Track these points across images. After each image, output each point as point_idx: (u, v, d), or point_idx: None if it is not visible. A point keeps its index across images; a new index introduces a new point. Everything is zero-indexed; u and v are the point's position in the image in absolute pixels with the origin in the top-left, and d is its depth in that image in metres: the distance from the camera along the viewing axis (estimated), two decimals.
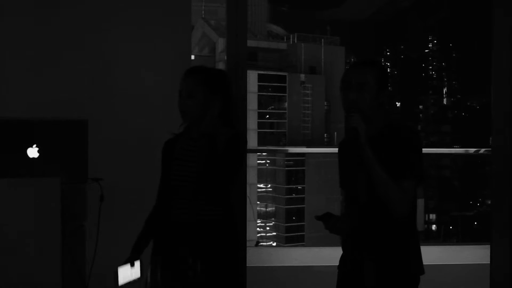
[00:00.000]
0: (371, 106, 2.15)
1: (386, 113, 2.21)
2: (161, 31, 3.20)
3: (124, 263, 2.15)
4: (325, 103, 39.69)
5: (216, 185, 2.21)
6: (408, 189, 2.08)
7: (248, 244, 3.37)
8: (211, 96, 2.23)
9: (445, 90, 44.42)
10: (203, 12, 38.15)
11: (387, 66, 45.06)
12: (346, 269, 2.25)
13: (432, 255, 3.93)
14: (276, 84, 38.50)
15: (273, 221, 37.91)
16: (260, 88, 37.95)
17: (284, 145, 37.28)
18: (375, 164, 2.07)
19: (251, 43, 34.84)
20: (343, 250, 2.29)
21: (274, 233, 37.54)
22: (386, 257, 2.14)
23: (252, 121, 35.38)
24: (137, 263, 2.19)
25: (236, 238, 2.30)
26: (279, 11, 45.39)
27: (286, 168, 37.34)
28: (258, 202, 37.35)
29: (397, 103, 44.39)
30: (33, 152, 2.27)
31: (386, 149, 2.10)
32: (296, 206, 36.86)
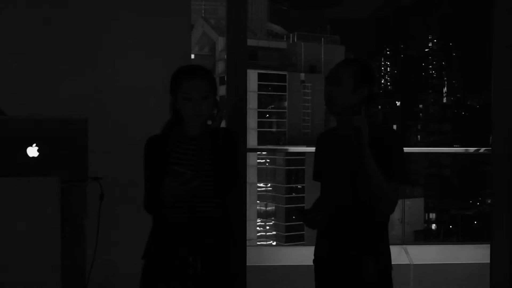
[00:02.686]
0: (347, 101, 2.18)
1: (370, 115, 2.26)
2: (161, 30, 3.20)
3: None
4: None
5: (229, 182, 2.23)
6: (395, 189, 2.16)
7: (248, 243, 3.37)
8: (215, 94, 2.27)
9: (445, 89, 44.37)
10: (203, 11, 38.11)
11: (387, 65, 45.02)
12: (332, 264, 2.25)
13: (432, 254, 3.93)
14: (276, 83, 38.47)
15: (273, 220, 37.88)
16: (260, 87, 37.91)
17: (284, 144, 37.26)
18: (374, 164, 2.10)
19: (251, 42, 34.81)
20: (323, 244, 2.29)
21: (274, 232, 37.52)
22: (383, 252, 2.18)
23: (252, 120, 35.35)
24: None
25: (233, 233, 2.32)
26: (279, 10, 45.36)
27: (286, 167, 37.31)
28: (258, 201, 37.33)
29: (397, 102, 44.34)
30: (32, 151, 2.26)
31: (372, 150, 2.14)
32: (296, 205, 36.83)
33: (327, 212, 2.16)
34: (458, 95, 44.47)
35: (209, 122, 2.26)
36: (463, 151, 4.26)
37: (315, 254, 2.33)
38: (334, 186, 2.24)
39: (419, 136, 41.71)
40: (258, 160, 37.32)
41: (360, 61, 2.27)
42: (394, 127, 35.76)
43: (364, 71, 2.23)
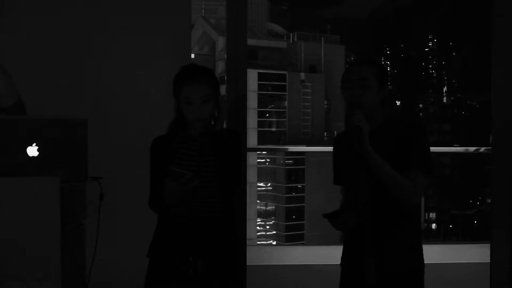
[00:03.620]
0: (373, 103, 2.17)
1: (386, 110, 2.24)
2: (161, 30, 3.20)
3: None
4: (325, 102, 39.69)
5: (231, 182, 2.23)
6: (416, 179, 2.11)
7: (248, 243, 3.37)
8: (217, 95, 2.27)
9: (445, 88, 44.35)
10: (203, 10, 38.12)
11: (387, 65, 45.01)
12: (348, 267, 2.25)
13: (432, 253, 3.92)
14: (276, 82, 38.48)
15: (273, 220, 37.89)
16: (260, 87, 37.93)
17: (284, 143, 37.27)
18: (380, 161, 2.07)
19: (251, 41, 34.81)
20: (345, 247, 2.29)
21: (274, 232, 37.53)
22: (389, 254, 2.14)
23: (252, 120, 35.37)
24: None
25: (235, 235, 2.32)
26: (279, 10, 45.35)
27: (286, 167, 37.33)
28: (258, 201, 37.34)
29: (397, 101, 44.34)
30: (32, 151, 2.26)
31: (389, 143, 2.12)
32: (296, 204, 36.85)
33: (356, 212, 2.13)
34: (458, 95, 44.46)
35: (213, 123, 2.26)
36: (463, 151, 4.26)
37: (341, 264, 2.33)
38: (351, 187, 2.22)
39: None
40: (258, 160, 37.33)
41: (376, 61, 2.26)
42: None
43: (383, 71, 2.22)
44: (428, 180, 2.19)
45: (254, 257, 3.59)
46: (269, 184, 38.21)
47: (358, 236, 2.12)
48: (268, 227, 37.91)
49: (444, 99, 44.18)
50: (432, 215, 39.43)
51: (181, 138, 2.27)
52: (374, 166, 2.07)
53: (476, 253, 3.97)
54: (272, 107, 38.64)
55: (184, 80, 2.23)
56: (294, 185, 37.39)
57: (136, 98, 3.18)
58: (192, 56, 3.96)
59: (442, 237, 38.28)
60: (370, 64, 2.22)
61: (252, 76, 35.90)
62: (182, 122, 2.28)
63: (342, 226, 2.14)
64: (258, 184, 37.55)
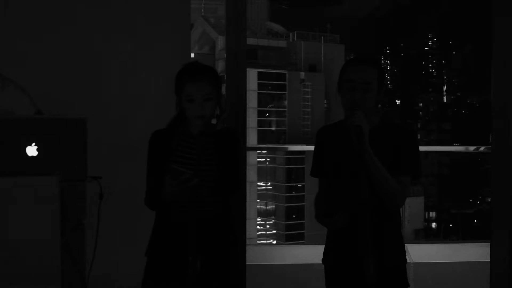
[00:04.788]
0: (372, 105, 2.19)
1: (380, 111, 2.26)
2: (161, 29, 3.20)
3: None
4: (325, 101, 39.66)
5: (230, 182, 2.23)
6: (405, 184, 2.16)
7: (248, 242, 3.37)
8: (219, 93, 2.27)
9: (445, 87, 44.37)
10: (202, 10, 38.10)
11: (387, 64, 45.00)
12: (335, 264, 2.26)
13: (432, 252, 3.93)
14: (276, 82, 38.46)
15: (273, 219, 37.88)
16: (260, 86, 37.90)
17: (284, 143, 37.24)
18: (377, 161, 2.10)
19: (250, 41, 34.79)
20: (335, 244, 2.28)
21: (274, 231, 37.52)
22: (387, 251, 2.17)
23: (252, 119, 35.35)
24: None
25: (234, 233, 2.32)
26: (279, 9, 45.36)
27: (286, 166, 37.31)
28: (258, 200, 37.32)
29: (397, 101, 44.36)
30: (32, 150, 2.26)
31: (382, 145, 2.14)
32: (296, 204, 36.84)
33: (348, 211, 2.13)
34: (458, 94, 44.46)
35: (214, 121, 2.26)
36: (463, 150, 4.26)
37: (325, 261, 2.33)
38: (352, 183, 2.21)
39: (419, 135, 41.61)
40: (258, 159, 37.32)
41: (378, 63, 2.26)
42: None
43: (383, 74, 2.23)
44: (416, 182, 2.26)
45: (254, 256, 3.59)
46: (269, 184, 38.19)
47: (352, 234, 2.14)
48: (268, 226, 37.90)
49: (444, 98, 44.18)
50: (432, 214, 39.44)
51: (180, 135, 2.26)
52: (371, 166, 2.09)
53: (476, 252, 3.97)
54: (272, 106, 38.61)
55: (186, 78, 2.22)
56: (294, 184, 37.38)
57: (136, 98, 3.18)
58: (192, 55, 3.96)
59: (442, 236, 38.30)
60: (373, 66, 2.21)
61: (252, 75, 35.87)
62: (183, 118, 2.28)
63: (333, 225, 2.17)
64: (258, 183, 37.53)
